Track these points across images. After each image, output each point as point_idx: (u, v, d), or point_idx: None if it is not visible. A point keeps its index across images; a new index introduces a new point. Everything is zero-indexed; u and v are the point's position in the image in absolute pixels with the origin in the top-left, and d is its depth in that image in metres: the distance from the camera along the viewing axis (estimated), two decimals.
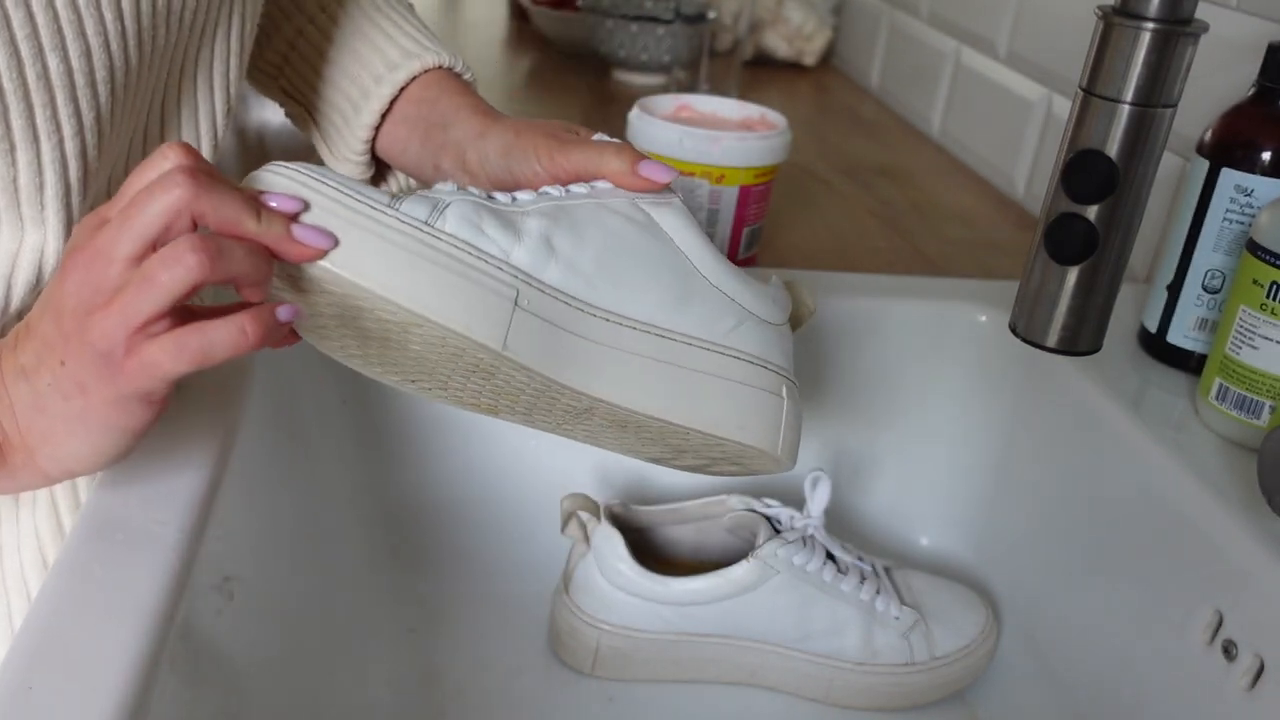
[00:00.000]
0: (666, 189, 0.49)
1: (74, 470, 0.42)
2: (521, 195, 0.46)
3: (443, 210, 0.43)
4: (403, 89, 0.58)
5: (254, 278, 0.39)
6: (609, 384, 0.44)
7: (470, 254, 0.42)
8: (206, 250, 0.37)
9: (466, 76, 0.60)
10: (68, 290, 0.38)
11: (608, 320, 0.45)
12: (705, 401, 0.46)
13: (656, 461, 0.50)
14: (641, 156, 0.48)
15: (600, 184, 0.48)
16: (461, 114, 0.56)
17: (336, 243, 0.40)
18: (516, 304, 0.42)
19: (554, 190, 0.47)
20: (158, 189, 0.37)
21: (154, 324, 0.38)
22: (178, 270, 0.37)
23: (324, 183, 0.41)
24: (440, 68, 0.59)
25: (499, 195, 0.46)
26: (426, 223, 0.42)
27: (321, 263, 0.40)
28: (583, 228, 0.45)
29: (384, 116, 0.59)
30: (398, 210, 0.42)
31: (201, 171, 0.38)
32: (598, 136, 0.51)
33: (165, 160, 0.38)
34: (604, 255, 0.45)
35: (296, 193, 0.40)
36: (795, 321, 0.52)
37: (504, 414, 0.46)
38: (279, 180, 0.41)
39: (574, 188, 0.48)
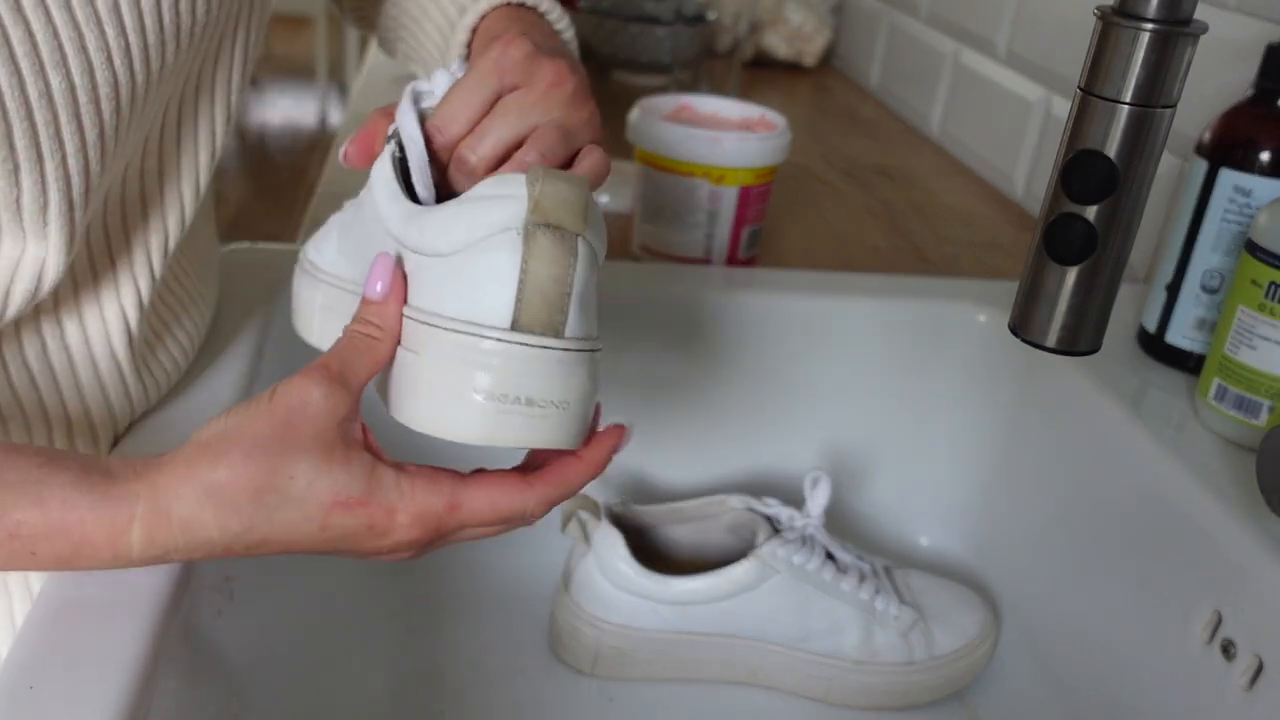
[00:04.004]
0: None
1: None
2: None
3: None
4: (484, 17, 0.56)
5: None
6: None
7: None
8: None
9: (551, 13, 0.57)
10: (394, 554, 0.41)
11: None
12: None
13: None
14: None
15: None
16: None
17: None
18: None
19: None
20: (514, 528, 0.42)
21: None
22: None
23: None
24: (510, 4, 0.56)
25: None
26: None
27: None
28: None
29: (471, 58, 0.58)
30: None
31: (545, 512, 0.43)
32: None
33: (533, 520, 0.42)
34: None
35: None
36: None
37: None
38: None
39: None
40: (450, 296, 0.40)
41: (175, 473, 0.38)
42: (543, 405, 0.39)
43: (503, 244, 0.39)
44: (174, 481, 0.38)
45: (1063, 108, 0.95)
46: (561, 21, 0.58)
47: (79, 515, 0.37)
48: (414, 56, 0.65)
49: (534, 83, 0.47)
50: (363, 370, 0.41)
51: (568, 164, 0.46)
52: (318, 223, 0.83)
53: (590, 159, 0.46)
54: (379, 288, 0.42)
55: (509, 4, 0.57)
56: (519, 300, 0.39)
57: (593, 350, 0.41)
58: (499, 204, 0.39)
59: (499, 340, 0.39)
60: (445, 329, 0.39)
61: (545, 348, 0.39)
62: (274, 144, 3.75)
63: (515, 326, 0.39)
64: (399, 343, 0.42)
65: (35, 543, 0.37)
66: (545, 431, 0.40)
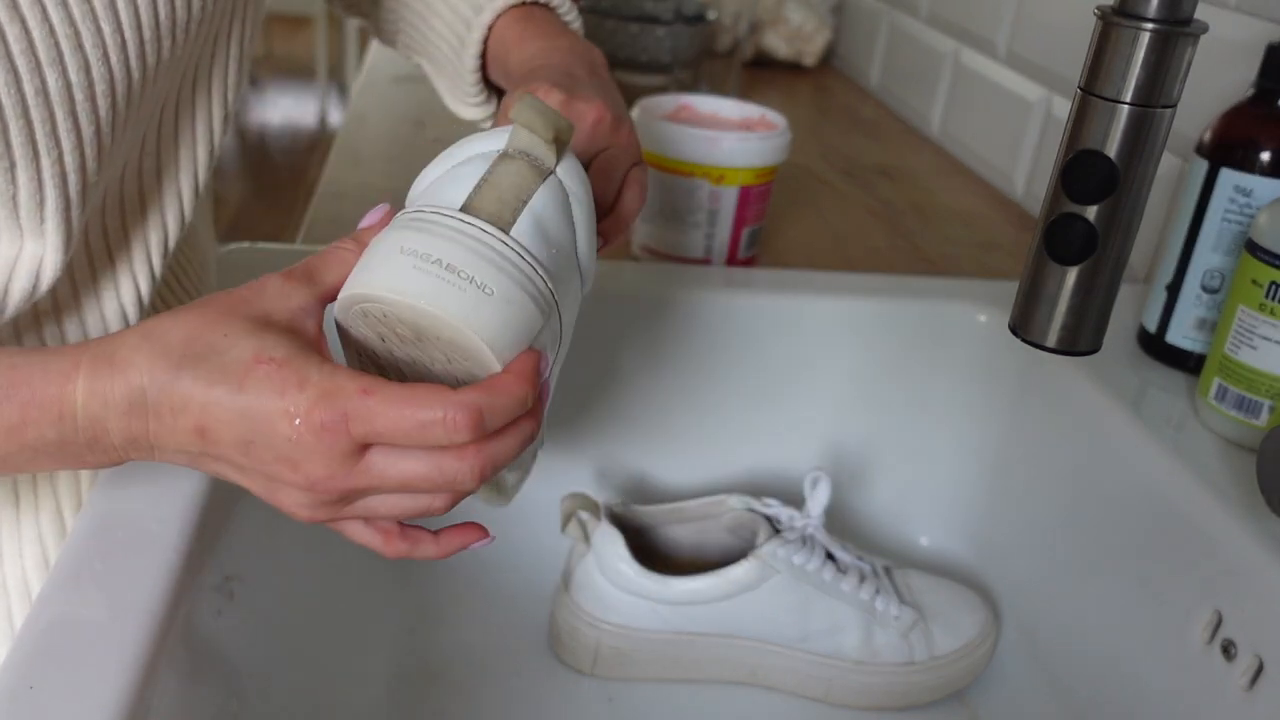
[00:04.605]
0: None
1: None
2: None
3: None
4: (499, 16, 0.58)
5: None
6: None
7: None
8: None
9: (568, 17, 0.59)
10: (301, 459, 0.37)
11: None
12: None
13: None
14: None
15: None
16: (510, 60, 0.56)
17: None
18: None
19: None
20: (444, 494, 0.39)
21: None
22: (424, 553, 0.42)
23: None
24: (525, 4, 0.58)
25: None
26: None
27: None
28: None
29: (485, 56, 0.59)
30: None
31: (487, 469, 0.38)
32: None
33: (456, 432, 0.36)
34: None
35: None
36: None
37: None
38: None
39: None
40: (419, 199, 0.41)
41: (130, 327, 0.39)
42: (463, 276, 0.38)
43: (480, 162, 0.41)
44: (125, 331, 0.39)
45: (1063, 108, 0.95)
46: (571, 14, 0.59)
47: (27, 373, 0.37)
48: (418, 50, 0.65)
49: (577, 126, 0.49)
50: (329, 273, 0.41)
51: (616, 191, 0.50)
52: (318, 222, 0.83)
53: (632, 189, 0.50)
54: (367, 219, 0.43)
55: (523, 3, 0.57)
56: (473, 192, 0.40)
57: (542, 279, 0.40)
58: (490, 136, 0.42)
59: (437, 211, 0.39)
60: (400, 214, 0.41)
61: (483, 230, 0.39)
62: (274, 144, 3.75)
63: (463, 210, 0.39)
64: None
65: None
66: (457, 302, 0.37)
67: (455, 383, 0.41)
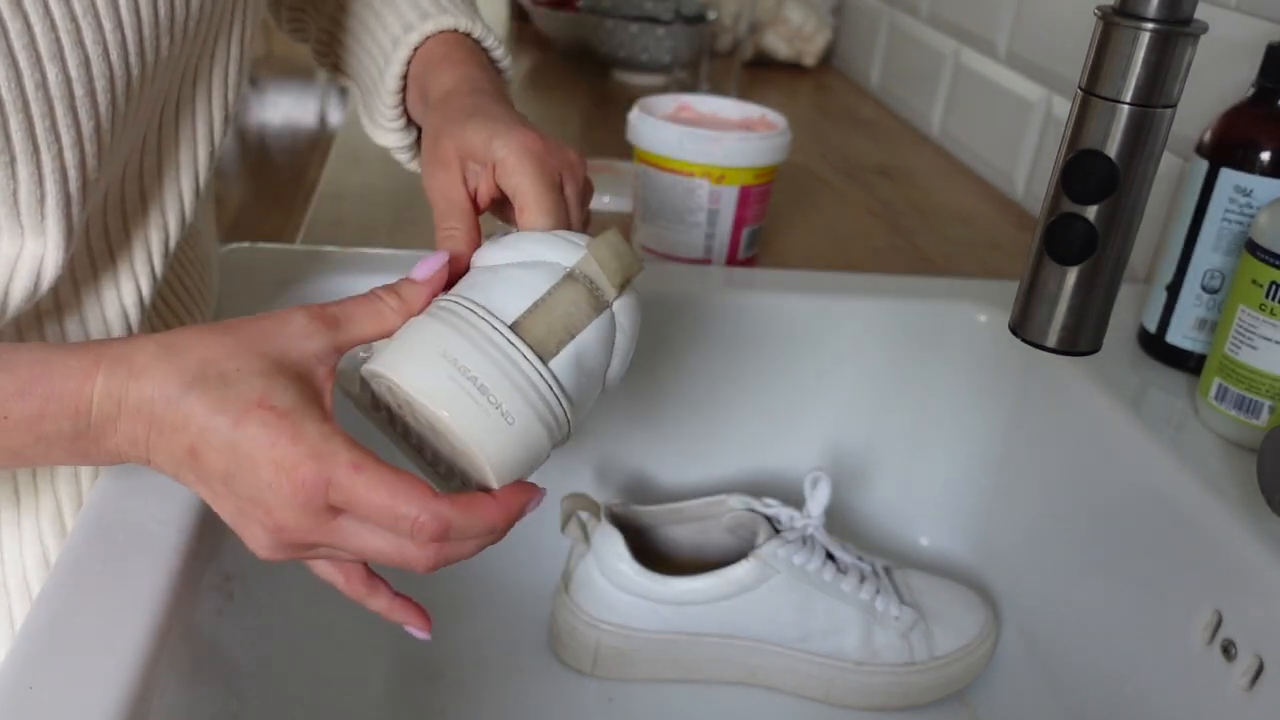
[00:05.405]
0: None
1: None
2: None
3: None
4: (417, 49, 0.57)
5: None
6: None
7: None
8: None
9: (494, 48, 0.59)
10: (275, 506, 0.38)
11: None
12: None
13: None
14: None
15: None
16: (445, 90, 0.55)
17: None
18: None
19: None
20: (403, 561, 0.40)
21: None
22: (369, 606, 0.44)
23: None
24: (457, 32, 0.57)
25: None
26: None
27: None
28: None
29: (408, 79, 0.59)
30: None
31: (443, 563, 0.40)
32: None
33: (421, 535, 0.38)
34: None
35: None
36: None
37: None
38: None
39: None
40: (476, 289, 0.42)
41: (153, 334, 0.40)
42: (493, 400, 0.39)
43: (545, 272, 0.42)
44: (146, 338, 0.40)
45: (1063, 108, 0.95)
46: (506, 61, 0.59)
47: (48, 369, 0.38)
48: (347, 70, 0.64)
49: (574, 173, 0.50)
50: (358, 327, 0.42)
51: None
52: (318, 223, 0.83)
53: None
54: (421, 271, 0.44)
55: (454, 31, 0.57)
56: (527, 311, 0.41)
57: (563, 409, 0.41)
58: (561, 244, 0.43)
59: (488, 321, 0.40)
60: (452, 300, 0.42)
61: (524, 356, 0.40)
62: (274, 144, 3.75)
63: (513, 327, 0.41)
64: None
65: (7, 404, 0.38)
66: (479, 423, 0.39)
67: (451, 461, 0.43)
